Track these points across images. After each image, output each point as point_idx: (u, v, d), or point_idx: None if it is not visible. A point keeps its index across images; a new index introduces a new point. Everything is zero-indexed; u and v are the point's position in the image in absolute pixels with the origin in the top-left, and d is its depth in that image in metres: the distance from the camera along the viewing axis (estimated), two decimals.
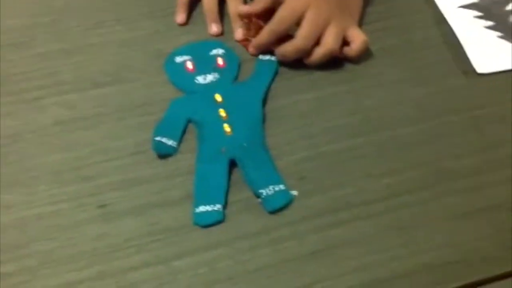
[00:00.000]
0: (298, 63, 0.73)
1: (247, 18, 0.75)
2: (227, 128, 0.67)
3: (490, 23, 0.78)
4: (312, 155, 0.66)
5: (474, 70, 0.73)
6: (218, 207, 0.61)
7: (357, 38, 0.72)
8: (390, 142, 0.67)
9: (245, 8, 0.75)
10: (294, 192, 0.62)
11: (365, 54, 0.74)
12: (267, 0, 0.73)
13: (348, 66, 0.74)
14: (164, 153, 0.66)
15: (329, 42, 0.71)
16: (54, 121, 0.68)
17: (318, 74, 0.73)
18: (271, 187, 0.62)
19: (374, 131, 0.68)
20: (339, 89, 0.72)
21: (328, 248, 0.59)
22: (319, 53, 0.71)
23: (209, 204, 0.61)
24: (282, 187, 0.62)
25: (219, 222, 0.61)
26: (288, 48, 0.71)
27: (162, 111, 0.69)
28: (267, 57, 0.74)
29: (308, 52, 0.71)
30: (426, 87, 0.72)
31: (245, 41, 0.76)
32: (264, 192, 0.62)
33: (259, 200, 0.62)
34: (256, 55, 0.74)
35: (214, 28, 0.76)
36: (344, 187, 0.63)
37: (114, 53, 0.75)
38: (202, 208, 0.61)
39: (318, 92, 0.71)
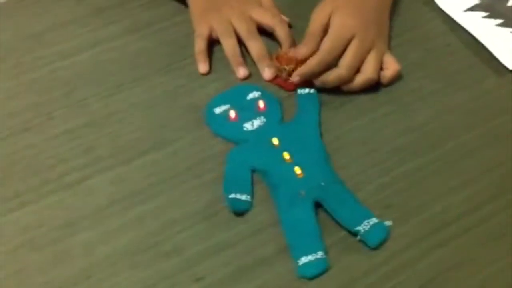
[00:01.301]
0: (334, 91, 0.73)
1: (280, 56, 0.74)
2: (297, 170, 0.65)
3: (499, 20, 0.81)
4: (388, 181, 0.65)
5: (504, 68, 0.76)
6: (320, 254, 0.59)
7: (391, 66, 0.74)
8: (456, 153, 0.68)
9: (303, 51, 0.73)
10: (389, 222, 0.62)
11: None
12: (317, 37, 0.72)
13: (385, 87, 0.74)
14: (241, 210, 0.63)
15: (370, 71, 0.72)
16: (108, 201, 0.64)
17: (361, 99, 0.73)
18: (365, 222, 0.61)
19: (436, 144, 0.68)
20: (386, 110, 0.72)
21: (443, 272, 0.59)
22: (359, 81, 0.72)
23: (310, 253, 0.59)
24: (375, 220, 0.61)
25: (326, 270, 0.59)
26: (331, 77, 0.71)
27: (219, 166, 0.66)
28: (306, 90, 0.73)
29: (349, 80, 0.72)
30: (466, 92, 0.74)
31: (276, 79, 0.75)
32: (361, 229, 0.61)
33: (358, 238, 0.61)
34: (296, 88, 0.73)
35: (243, 72, 0.75)
36: (431, 207, 0.63)
37: (144, 116, 0.72)
38: (304, 259, 0.59)
39: (367, 116, 0.71)
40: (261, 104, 0.72)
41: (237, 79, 0.75)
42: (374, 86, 0.74)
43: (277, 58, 0.75)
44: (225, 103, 0.72)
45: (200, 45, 0.77)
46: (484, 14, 0.82)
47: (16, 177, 0.66)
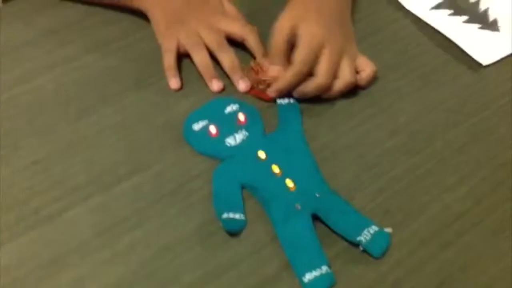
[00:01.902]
0: (312, 98, 0.72)
1: (255, 67, 0.72)
2: (289, 183, 0.63)
3: (465, 17, 0.82)
4: (383, 185, 0.64)
5: (477, 64, 0.76)
6: (325, 269, 0.57)
7: (367, 67, 0.73)
8: (446, 150, 0.68)
9: (275, 71, 0.71)
10: (389, 229, 0.60)
11: None
12: (282, 46, 0.70)
13: (362, 90, 0.74)
14: (236, 229, 0.61)
15: (347, 75, 0.71)
16: (93, 232, 0.60)
17: (341, 105, 0.72)
18: (366, 231, 0.60)
19: (425, 144, 0.68)
20: (368, 113, 0.71)
21: (451, 273, 0.58)
22: (339, 86, 0.71)
23: (314, 268, 0.57)
24: (375, 228, 0.60)
25: (333, 285, 0.57)
26: (310, 87, 0.70)
27: (206, 185, 0.64)
28: (286, 100, 0.71)
29: (328, 87, 0.71)
30: (445, 89, 0.74)
31: (252, 89, 0.73)
32: (362, 238, 0.59)
33: (360, 248, 0.59)
34: (275, 100, 0.71)
35: (217, 85, 0.72)
36: (430, 208, 0.63)
37: (118, 138, 0.68)
38: (309, 276, 0.57)
39: (351, 121, 0.70)
40: (241, 117, 0.69)
41: (212, 93, 0.73)
42: (351, 91, 0.73)
43: (252, 69, 0.73)
44: (203, 119, 0.69)
45: (169, 60, 0.74)
46: (450, 11, 0.83)
47: None
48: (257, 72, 0.72)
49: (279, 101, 0.72)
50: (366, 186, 0.64)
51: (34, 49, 0.77)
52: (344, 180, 0.65)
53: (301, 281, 0.57)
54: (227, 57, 0.74)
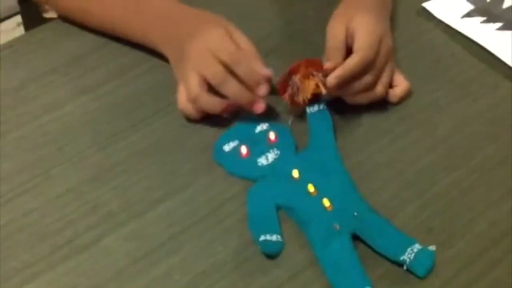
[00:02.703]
0: (343, 114, 0.71)
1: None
2: (326, 203, 0.62)
3: (498, 24, 0.81)
4: (424, 203, 0.63)
5: None
6: None
7: (401, 83, 0.72)
8: (487, 164, 0.67)
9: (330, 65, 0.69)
10: (433, 247, 0.59)
11: None
12: (341, 51, 0.69)
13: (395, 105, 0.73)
14: (274, 252, 0.60)
15: (381, 88, 0.71)
16: (129, 260, 0.60)
17: (374, 119, 0.71)
18: (409, 250, 0.58)
19: (465, 157, 0.67)
20: (404, 128, 0.70)
21: None
22: (374, 95, 0.71)
23: None
24: (418, 246, 0.59)
25: None
26: (370, 96, 0.70)
27: (240, 208, 0.63)
28: (316, 107, 0.70)
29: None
30: (483, 100, 0.73)
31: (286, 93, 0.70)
32: (406, 258, 0.58)
33: (404, 268, 0.58)
34: (304, 105, 0.70)
35: (259, 107, 0.69)
36: (476, 224, 0.61)
37: (149, 163, 0.68)
38: None
39: (386, 137, 0.70)
40: (272, 135, 0.69)
41: (241, 115, 0.72)
42: (382, 105, 0.72)
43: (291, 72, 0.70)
44: (233, 139, 0.69)
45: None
46: (482, 18, 0.82)
47: (22, 246, 0.61)
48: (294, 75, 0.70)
49: (309, 109, 0.70)
50: (406, 204, 0.63)
51: (59, 77, 0.78)
52: (383, 199, 0.64)
53: None
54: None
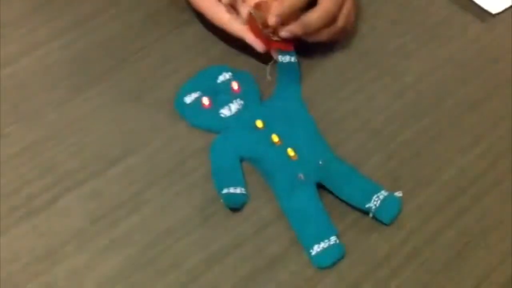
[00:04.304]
0: (310, 61, 0.71)
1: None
2: (291, 152, 0.62)
3: None
4: (390, 151, 0.64)
5: (486, 13, 0.75)
6: (333, 240, 0.57)
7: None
8: (457, 109, 0.67)
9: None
10: (399, 193, 0.60)
11: (372, 29, 0.74)
12: None
13: (363, 49, 0.72)
14: (238, 204, 0.60)
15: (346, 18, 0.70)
16: (89, 220, 0.59)
17: (338, 68, 0.71)
18: (375, 197, 0.59)
19: (434, 104, 0.67)
20: (371, 76, 0.70)
21: (469, 241, 0.57)
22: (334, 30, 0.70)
23: (322, 240, 0.57)
24: (385, 193, 0.60)
25: (342, 256, 0.57)
26: (330, 31, 0.69)
27: (204, 162, 0.63)
28: (287, 58, 0.69)
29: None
30: (453, 44, 0.73)
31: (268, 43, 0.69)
32: (372, 205, 0.59)
33: (370, 215, 0.59)
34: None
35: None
36: (444, 172, 0.62)
37: (108, 119, 0.67)
38: (317, 248, 0.57)
39: (352, 85, 0.69)
40: (234, 85, 0.68)
41: (202, 64, 0.71)
42: (351, 52, 0.72)
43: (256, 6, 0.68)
44: (194, 90, 0.68)
45: None
46: None
47: None
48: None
49: (280, 58, 0.69)
50: (373, 153, 0.64)
51: (13, 30, 0.76)
52: (350, 148, 0.64)
53: (309, 255, 0.57)
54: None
